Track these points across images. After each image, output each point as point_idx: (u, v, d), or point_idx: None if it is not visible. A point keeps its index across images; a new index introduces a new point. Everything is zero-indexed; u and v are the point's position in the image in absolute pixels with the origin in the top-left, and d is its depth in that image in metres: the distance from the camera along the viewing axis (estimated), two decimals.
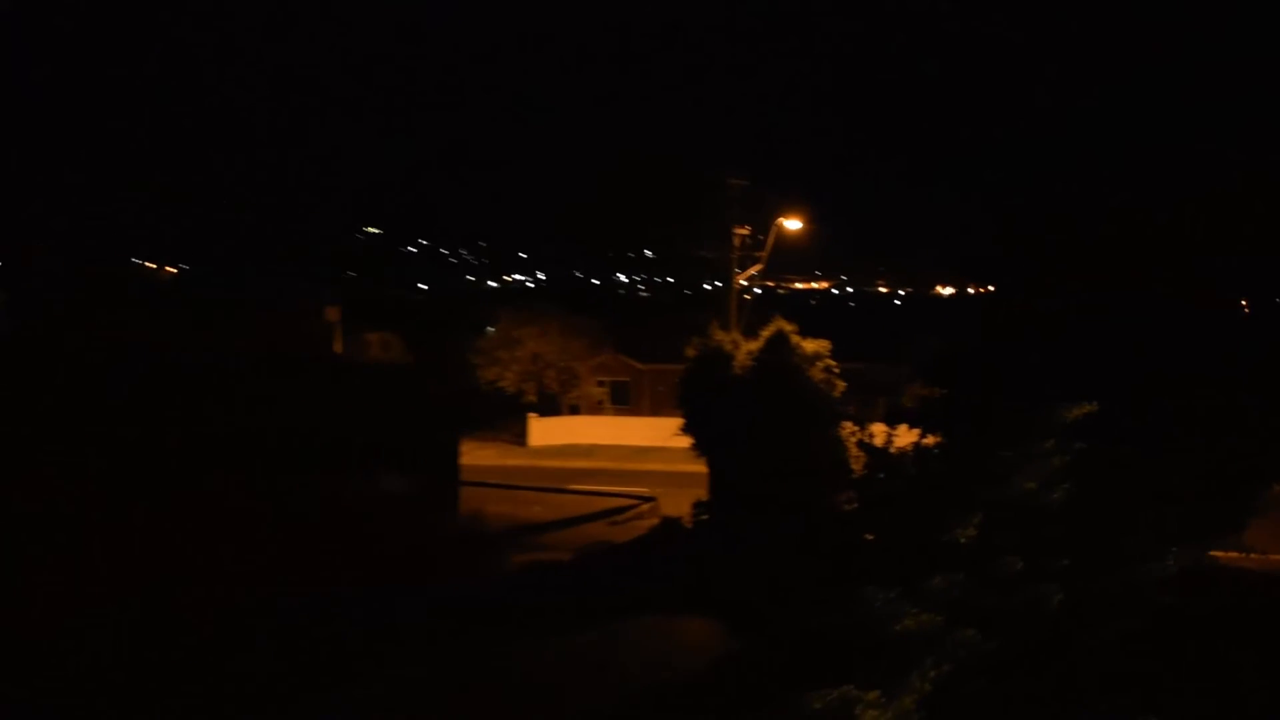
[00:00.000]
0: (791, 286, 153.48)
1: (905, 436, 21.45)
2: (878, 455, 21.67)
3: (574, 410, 67.02)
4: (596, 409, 67.68)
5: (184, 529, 22.06)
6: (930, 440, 20.54)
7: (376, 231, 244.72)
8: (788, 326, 30.92)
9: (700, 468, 32.18)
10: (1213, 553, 18.71)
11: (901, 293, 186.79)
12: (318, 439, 26.93)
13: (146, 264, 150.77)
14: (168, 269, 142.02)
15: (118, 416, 23.59)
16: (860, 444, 22.10)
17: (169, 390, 25.22)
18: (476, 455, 47.34)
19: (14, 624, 18.87)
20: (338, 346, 69.98)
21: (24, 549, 19.90)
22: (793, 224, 40.00)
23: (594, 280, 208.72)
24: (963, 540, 17.25)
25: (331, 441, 27.29)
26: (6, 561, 19.62)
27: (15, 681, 16.77)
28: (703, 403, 31.68)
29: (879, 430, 22.09)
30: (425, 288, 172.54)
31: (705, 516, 30.27)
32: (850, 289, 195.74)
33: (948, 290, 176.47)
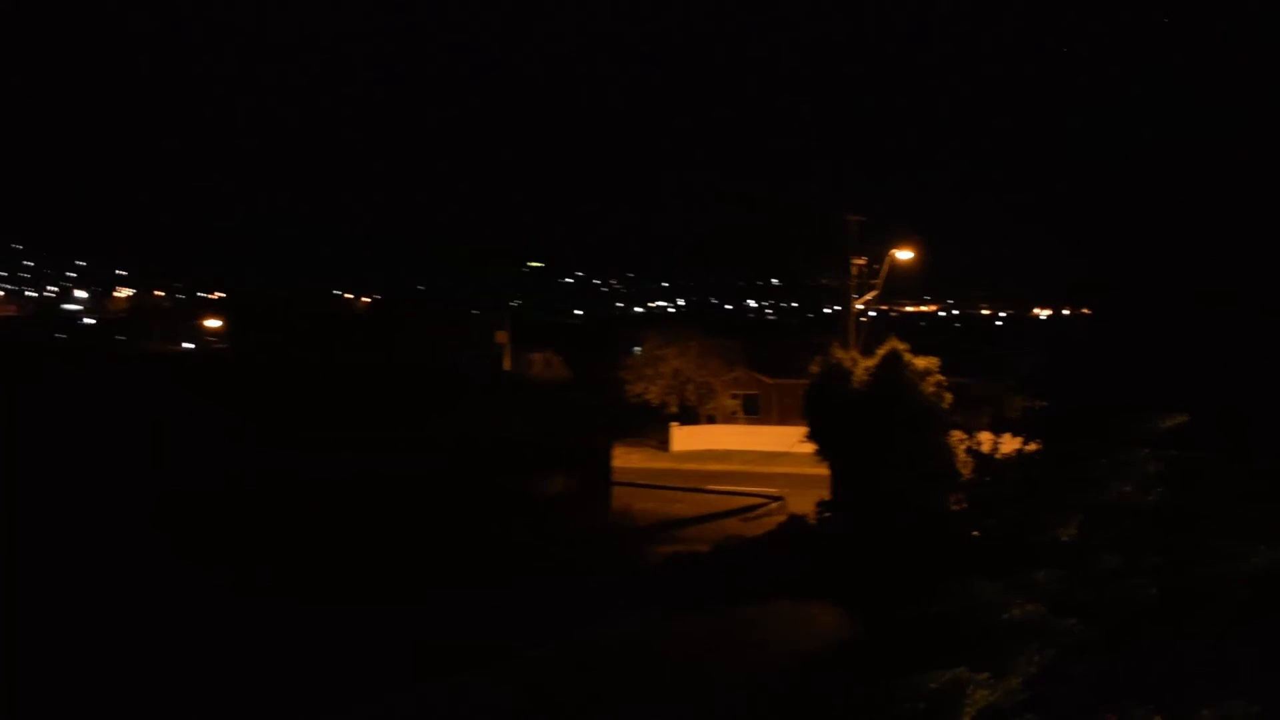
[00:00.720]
0: (902, 310, 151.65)
1: (1009, 444, 21.14)
2: (985, 461, 21.40)
3: (710, 420, 67.11)
4: (730, 419, 67.70)
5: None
6: (1032, 447, 20.23)
7: (539, 265, 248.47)
8: (900, 345, 30.64)
9: (823, 471, 31.98)
10: None
11: (1003, 314, 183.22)
12: (496, 442, 27.69)
13: (345, 294, 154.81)
14: (363, 299, 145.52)
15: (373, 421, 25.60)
16: (969, 450, 21.85)
17: (401, 401, 26.96)
18: (626, 459, 47.55)
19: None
20: (507, 364, 71.41)
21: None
22: (904, 254, 39.72)
23: (727, 306, 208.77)
24: (1063, 539, 16.92)
25: (508, 444, 27.99)
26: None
27: None
28: (825, 413, 31.50)
29: (986, 438, 21.78)
30: (580, 313, 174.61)
31: (828, 514, 30.01)
32: (956, 311, 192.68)
33: (1045, 312, 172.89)
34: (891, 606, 17.34)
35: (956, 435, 25.82)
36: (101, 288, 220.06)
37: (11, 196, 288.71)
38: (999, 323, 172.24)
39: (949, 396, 30.34)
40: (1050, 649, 14.66)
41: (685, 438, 63.39)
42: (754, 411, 68.42)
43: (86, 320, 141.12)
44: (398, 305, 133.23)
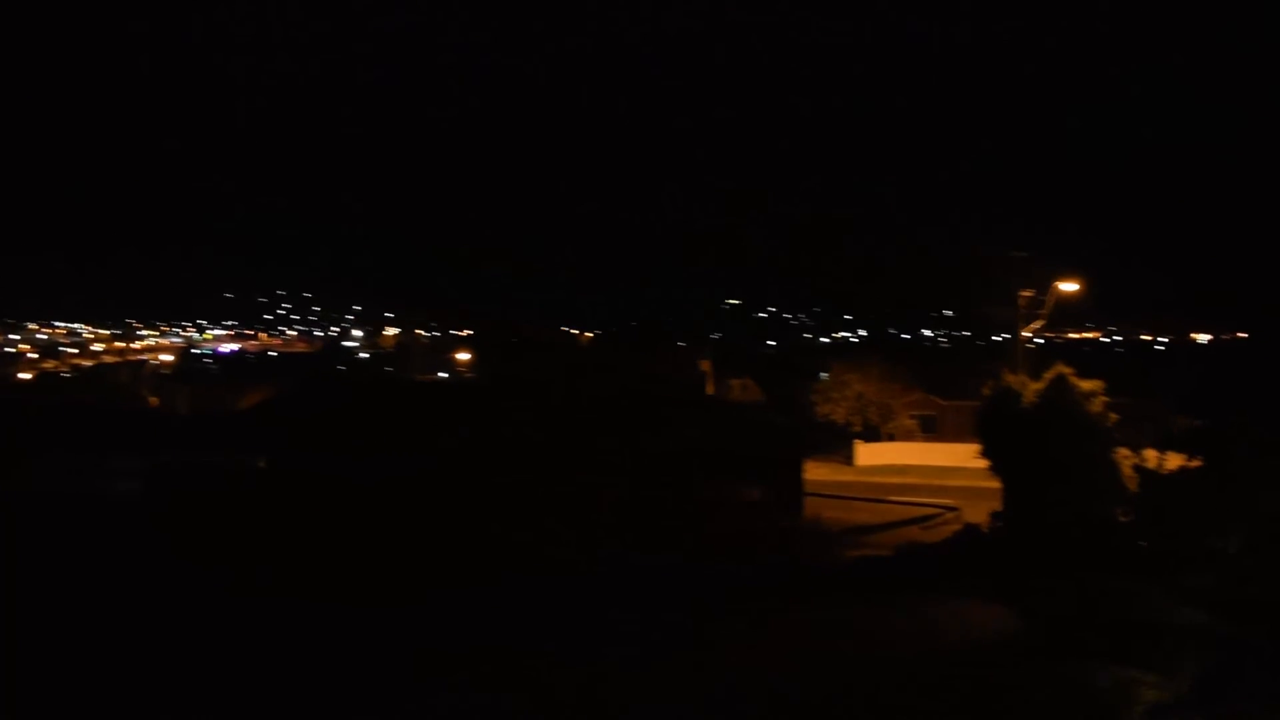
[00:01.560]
0: (1066, 336, 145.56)
1: (1173, 460, 20.15)
2: (1150, 475, 20.42)
3: (891, 438, 66.02)
4: (909, 436, 66.48)
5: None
6: (1196, 463, 19.21)
7: (736, 302, 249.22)
8: (1066, 369, 29.53)
9: (995, 484, 31.01)
10: None
11: (1163, 340, 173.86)
12: (706, 454, 28.14)
13: (570, 330, 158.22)
14: (586, 334, 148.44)
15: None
16: (1135, 466, 20.88)
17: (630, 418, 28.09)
18: (815, 472, 47.02)
19: None
20: (710, 389, 71.76)
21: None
22: (1068, 286, 38.16)
23: (905, 335, 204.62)
24: (1230, 549, 16.00)
25: (714, 456, 28.38)
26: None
27: None
28: (997, 431, 30.58)
29: (1151, 455, 20.80)
30: (773, 343, 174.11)
31: (1000, 524, 29.10)
32: (1118, 336, 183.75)
33: (1204, 337, 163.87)
34: (1061, 608, 16.72)
35: (1122, 452, 24.73)
36: (373, 327, 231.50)
37: (301, 254, 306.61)
38: (1159, 347, 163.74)
39: (1113, 416, 29.09)
40: (1217, 652, 13.83)
41: (868, 454, 62.48)
42: (930, 430, 67.16)
43: (361, 355, 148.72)
44: (616, 338, 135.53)
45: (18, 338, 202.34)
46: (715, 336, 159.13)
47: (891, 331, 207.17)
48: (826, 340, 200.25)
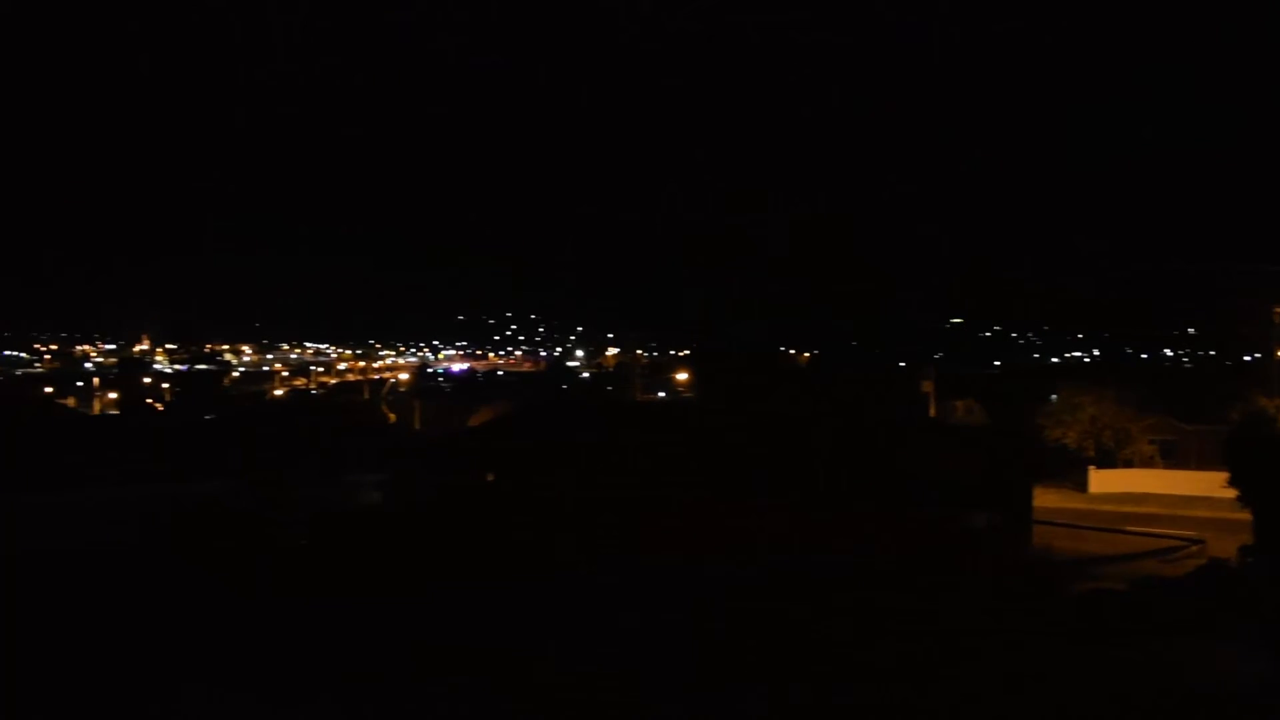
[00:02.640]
0: None
1: None
2: None
3: (1127, 464, 62.38)
4: (1147, 463, 62.62)
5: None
6: None
7: (958, 320, 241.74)
8: None
9: (1244, 516, 28.89)
10: None
11: None
12: (927, 479, 27.53)
13: (790, 351, 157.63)
14: (804, 355, 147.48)
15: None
16: None
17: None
18: (1044, 498, 45.01)
19: None
20: (932, 411, 69.87)
21: None
22: None
23: (1143, 355, 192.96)
24: None
25: (935, 481, 27.71)
26: None
27: None
28: (1248, 458, 28.52)
29: None
30: (998, 363, 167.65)
31: (1251, 558, 27.07)
32: None
33: None
34: None
35: None
36: (594, 347, 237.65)
37: (528, 278, 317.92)
38: None
39: None
40: None
41: (1102, 480, 59.34)
42: (1171, 456, 63.05)
43: (583, 374, 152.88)
44: (830, 359, 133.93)
45: (272, 357, 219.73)
46: (937, 356, 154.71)
47: (1128, 351, 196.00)
48: (1056, 360, 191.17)
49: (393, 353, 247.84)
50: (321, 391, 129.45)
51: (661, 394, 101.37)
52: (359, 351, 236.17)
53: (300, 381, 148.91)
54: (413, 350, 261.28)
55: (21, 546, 24.57)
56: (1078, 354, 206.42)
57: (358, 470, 38.62)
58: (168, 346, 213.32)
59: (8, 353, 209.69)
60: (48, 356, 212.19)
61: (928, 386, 74.39)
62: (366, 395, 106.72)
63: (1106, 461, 61.80)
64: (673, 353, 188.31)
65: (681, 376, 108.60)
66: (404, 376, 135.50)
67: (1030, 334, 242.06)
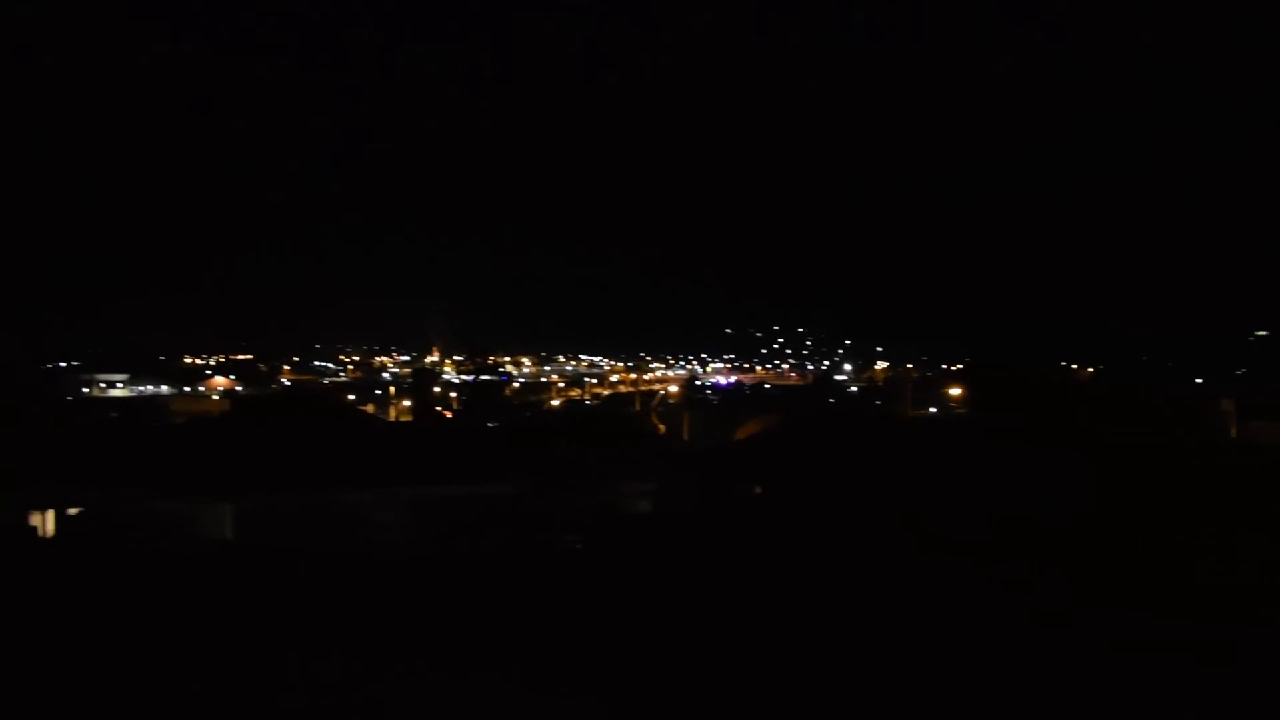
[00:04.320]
0: None
1: None
2: None
3: None
4: None
5: None
6: None
7: (1264, 333, 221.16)
8: None
9: None
10: None
11: None
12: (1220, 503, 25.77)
13: (1065, 363, 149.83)
14: (1087, 369, 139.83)
15: None
16: None
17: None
18: None
19: None
20: (1233, 431, 64.52)
21: None
22: None
23: None
24: None
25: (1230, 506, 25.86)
26: None
27: None
28: None
29: None
30: None
31: None
32: None
33: None
34: None
35: None
36: (863, 361, 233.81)
37: (794, 292, 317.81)
38: None
39: None
40: None
41: None
42: None
43: (851, 389, 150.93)
44: (1122, 375, 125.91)
45: (549, 369, 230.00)
46: (1240, 373, 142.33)
47: None
48: None
49: (662, 365, 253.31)
50: (595, 402, 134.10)
51: (933, 409, 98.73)
52: (630, 364, 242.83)
53: (575, 392, 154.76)
54: (682, 363, 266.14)
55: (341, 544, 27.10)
56: None
57: (628, 479, 39.95)
58: (455, 358, 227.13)
59: (317, 363, 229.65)
60: (350, 367, 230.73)
61: (1228, 405, 68.74)
62: (637, 406, 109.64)
63: None
64: (944, 367, 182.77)
65: (954, 391, 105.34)
66: (673, 388, 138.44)
67: None
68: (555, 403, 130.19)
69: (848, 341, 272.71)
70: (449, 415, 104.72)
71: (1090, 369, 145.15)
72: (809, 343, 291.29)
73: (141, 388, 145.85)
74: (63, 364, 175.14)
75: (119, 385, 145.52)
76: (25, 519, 33.84)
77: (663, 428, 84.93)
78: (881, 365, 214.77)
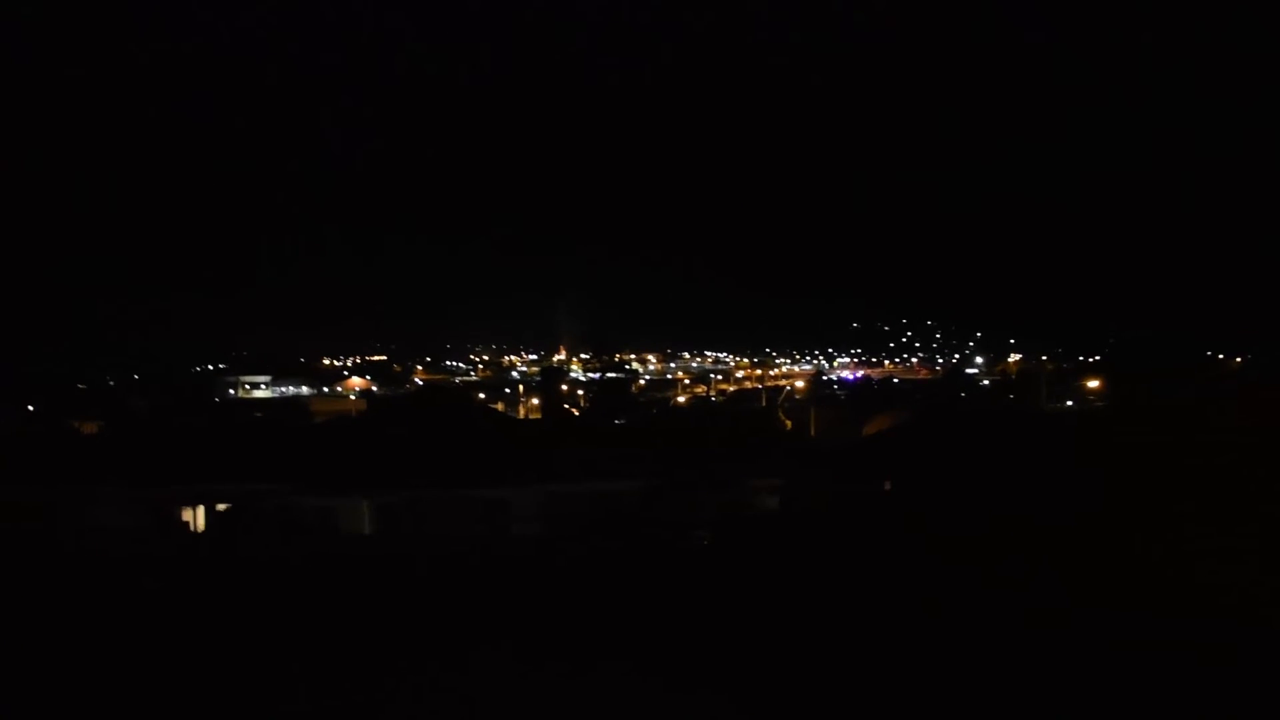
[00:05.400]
0: None
1: None
2: None
3: None
4: None
5: None
6: None
7: None
8: None
9: None
10: None
11: None
12: None
13: (1220, 356, 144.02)
14: (1236, 359, 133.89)
15: None
16: None
17: None
18: None
19: None
20: None
21: None
22: None
23: None
24: None
25: None
26: None
27: None
28: None
29: None
30: None
31: None
32: None
33: None
34: None
35: None
36: (994, 354, 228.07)
37: (923, 283, 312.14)
38: None
39: None
40: None
41: None
42: None
43: (983, 382, 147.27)
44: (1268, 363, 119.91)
45: (675, 365, 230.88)
46: None
47: None
48: None
49: (788, 360, 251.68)
50: (721, 398, 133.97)
51: (1070, 403, 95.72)
52: (756, 359, 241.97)
53: (700, 389, 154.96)
54: (808, 358, 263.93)
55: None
56: None
57: (756, 475, 39.78)
58: (582, 356, 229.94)
59: (449, 363, 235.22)
60: (480, 366, 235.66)
61: None
62: (764, 402, 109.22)
63: None
64: (1081, 359, 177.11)
65: (1092, 384, 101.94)
66: (799, 384, 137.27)
67: None
68: (681, 399, 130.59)
69: (979, 334, 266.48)
70: (576, 413, 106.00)
71: (1239, 358, 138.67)
72: (938, 335, 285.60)
73: (283, 388, 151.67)
74: (210, 367, 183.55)
75: (262, 386, 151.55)
76: (179, 514, 35.63)
77: (789, 424, 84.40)
78: (1015, 358, 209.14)
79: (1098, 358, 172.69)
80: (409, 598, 18.61)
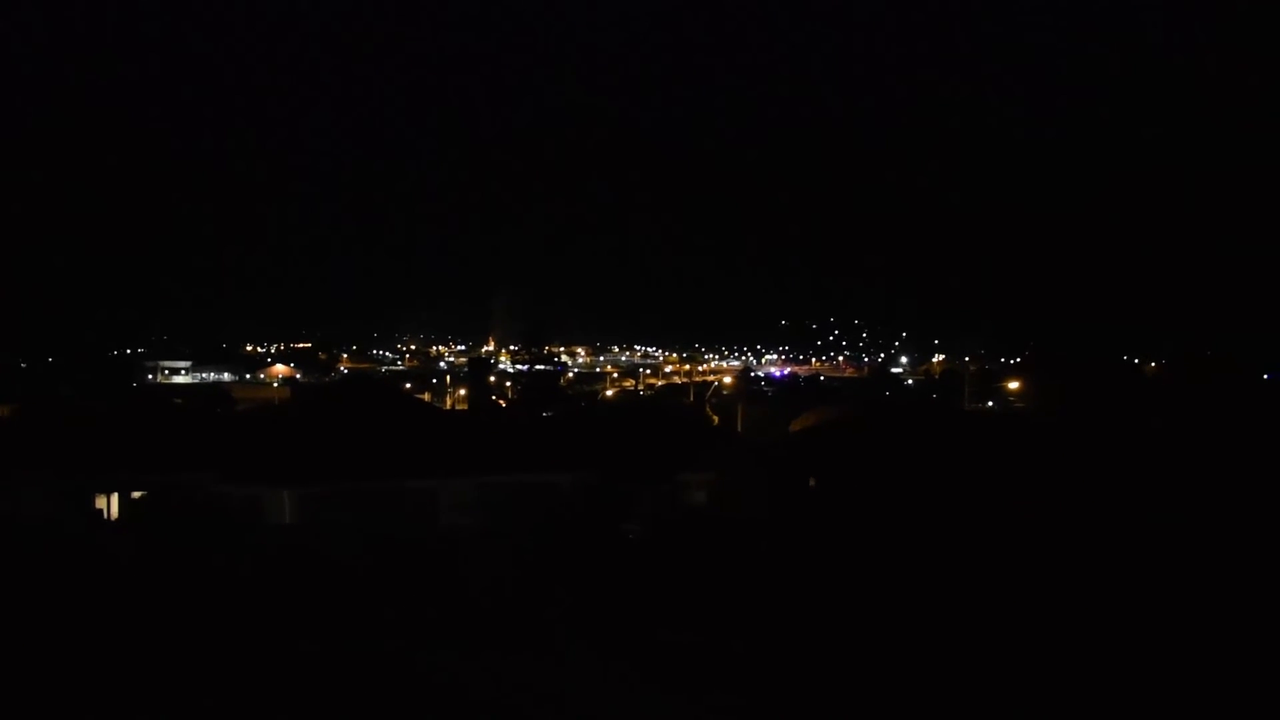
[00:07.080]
0: None
1: None
2: None
3: None
4: None
5: None
6: None
7: None
8: None
9: None
10: None
11: None
12: None
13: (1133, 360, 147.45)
14: (1150, 363, 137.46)
15: None
16: None
17: None
18: None
19: None
20: None
21: None
22: None
23: None
24: None
25: None
26: None
27: None
28: None
29: None
30: None
31: None
32: None
33: None
34: None
35: None
36: (919, 354, 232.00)
37: (848, 283, 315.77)
38: None
39: None
40: None
41: None
42: None
43: (908, 381, 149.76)
44: (1196, 364, 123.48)
45: (603, 359, 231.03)
46: None
47: None
48: None
49: (716, 356, 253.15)
50: (649, 393, 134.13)
51: (990, 404, 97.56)
52: (684, 354, 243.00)
53: (629, 383, 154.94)
54: (736, 354, 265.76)
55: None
56: None
57: (683, 470, 39.87)
58: (511, 347, 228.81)
59: (375, 351, 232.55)
60: (408, 355, 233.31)
61: None
62: (691, 397, 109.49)
63: None
64: (1003, 360, 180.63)
65: (1013, 385, 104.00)
66: (727, 380, 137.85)
67: None
68: (610, 393, 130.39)
69: (904, 334, 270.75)
70: (504, 405, 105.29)
71: (1153, 363, 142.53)
72: (865, 335, 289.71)
73: (204, 375, 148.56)
74: (127, 350, 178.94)
75: (182, 372, 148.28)
76: (91, 502, 34.62)
77: (717, 419, 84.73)
78: (939, 358, 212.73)
79: (1018, 360, 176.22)
80: (328, 589, 18.33)
